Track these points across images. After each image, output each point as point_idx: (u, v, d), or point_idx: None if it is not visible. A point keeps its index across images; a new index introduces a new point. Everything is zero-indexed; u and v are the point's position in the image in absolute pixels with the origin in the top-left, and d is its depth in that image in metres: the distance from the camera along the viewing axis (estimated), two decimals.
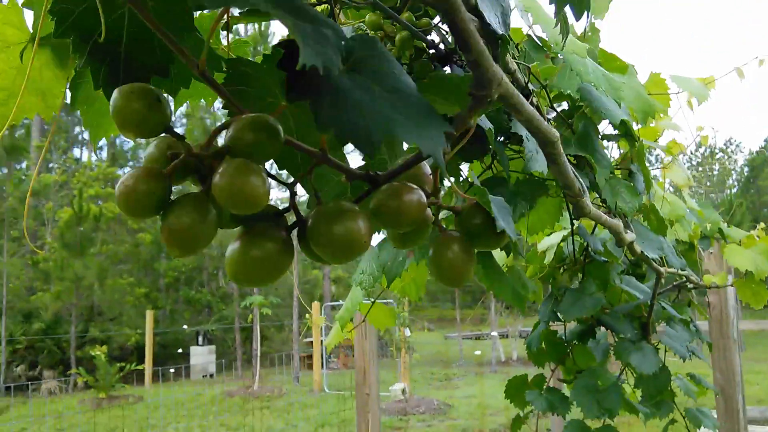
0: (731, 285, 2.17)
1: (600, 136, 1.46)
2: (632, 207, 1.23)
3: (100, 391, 12.34)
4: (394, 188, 0.41)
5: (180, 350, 16.42)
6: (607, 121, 1.34)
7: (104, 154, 25.68)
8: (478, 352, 15.85)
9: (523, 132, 0.97)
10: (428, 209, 0.45)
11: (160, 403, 11.29)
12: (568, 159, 1.32)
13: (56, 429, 10.16)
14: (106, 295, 16.22)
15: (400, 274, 1.25)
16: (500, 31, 0.72)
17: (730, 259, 2.08)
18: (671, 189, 2.32)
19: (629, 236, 1.05)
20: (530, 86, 0.98)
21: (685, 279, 1.87)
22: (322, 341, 13.06)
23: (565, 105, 1.40)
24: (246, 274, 0.38)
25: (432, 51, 0.79)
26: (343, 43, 0.36)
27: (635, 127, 1.57)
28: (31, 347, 15.28)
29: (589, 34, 1.37)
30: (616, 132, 1.45)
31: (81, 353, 14.75)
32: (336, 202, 0.40)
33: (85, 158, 22.49)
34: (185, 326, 17.20)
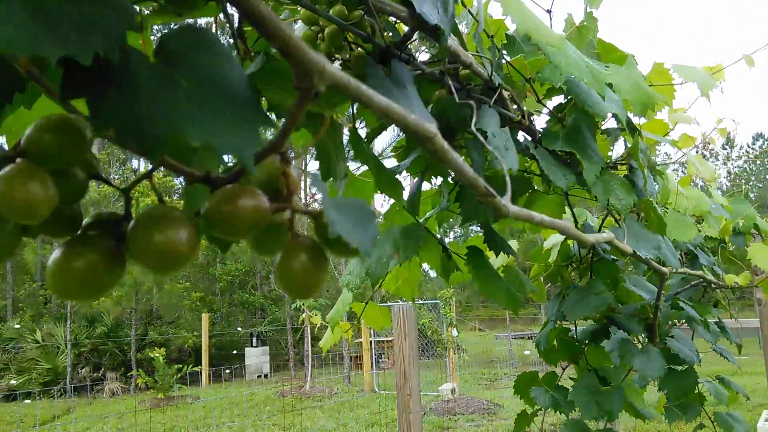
0: (756, 285, 2.05)
1: (600, 130, 1.40)
2: (626, 204, 1.17)
3: (159, 391, 12.76)
4: (228, 192, 0.39)
5: (235, 351, 16.78)
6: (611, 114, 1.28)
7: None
8: (527, 352, 15.60)
9: (489, 128, 0.93)
10: (286, 212, 0.43)
11: (216, 404, 11.55)
12: (559, 154, 1.28)
13: (117, 428, 10.50)
14: (164, 300, 16.71)
15: (385, 276, 1.22)
16: (434, 21, 0.69)
17: (753, 258, 1.97)
18: (699, 183, 2.22)
19: (604, 236, 0.99)
20: (496, 79, 0.94)
21: (701, 279, 1.77)
22: (371, 342, 13.13)
23: (562, 98, 1.35)
24: (64, 288, 0.36)
25: (371, 45, 0.76)
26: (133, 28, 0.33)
27: (640, 120, 1.50)
28: (94, 350, 15.86)
29: (586, 23, 1.32)
30: (618, 125, 1.39)
31: (141, 355, 15.23)
32: (158, 207, 0.38)
33: (141, 168, 23.20)
34: (239, 328, 17.56)
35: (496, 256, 1.24)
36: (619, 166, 1.40)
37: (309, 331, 13.17)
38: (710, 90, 1.32)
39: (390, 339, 13.12)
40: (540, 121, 1.33)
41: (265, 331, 17.14)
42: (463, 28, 1.05)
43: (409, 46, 0.85)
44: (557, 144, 1.13)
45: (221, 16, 0.67)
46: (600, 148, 1.43)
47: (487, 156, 1.06)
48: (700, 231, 2.18)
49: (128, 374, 14.80)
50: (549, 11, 1.30)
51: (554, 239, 1.70)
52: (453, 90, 0.82)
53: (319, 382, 13.42)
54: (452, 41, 0.82)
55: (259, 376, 15.86)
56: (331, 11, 0.72)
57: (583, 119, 1.21)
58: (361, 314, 1.44)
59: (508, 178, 0.64)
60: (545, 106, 1.23)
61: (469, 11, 0.99)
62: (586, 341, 1.82)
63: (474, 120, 0.91)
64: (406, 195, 1.11)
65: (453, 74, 0.92)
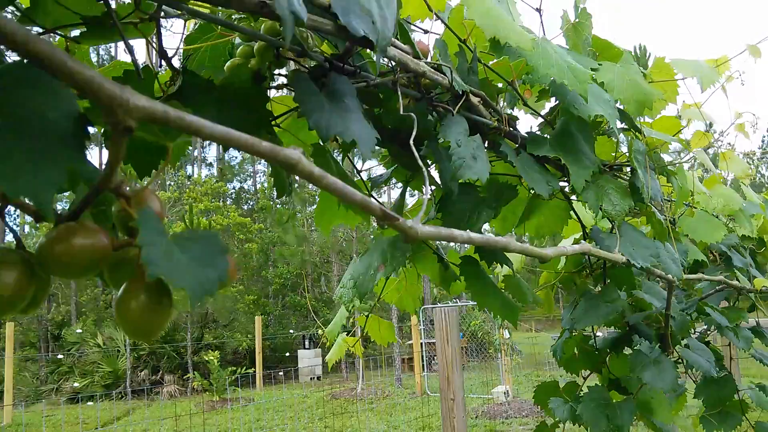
0: None
1: (600, 131, 1.34)
2: (620, 210, 1.11)
3: (214, 394, 13.04)
4: (63, 231, 0.38)
5: (288, 354, 17.00)
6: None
7: (213, 170, 27.13)
8: None
9: (452, 137, 0.89)
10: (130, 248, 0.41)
11: (269, 406, 11.71)
12: (548, 159, 1.23)
13: (173, 430, 10.75)
14: (218, 303, 17.08)
15: (371, 289, 1.20)
16: (361, 33, 0.66)
17: None
18: (729, 179, 2.10)
19: (571, 249, 0.93)
20: (459, 86, 0.90)
21: (724, 284, 1.67)
22: (422, 344, 13.06)
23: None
24: None
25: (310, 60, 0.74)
26: None
27: (645, 119, 1.43)
28: (153, 353, 16.34)
29: (579, 21, 1.26)
30: (623, 125, 1.33)
31: (197, 358, 15.61)
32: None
33: (195, 174, 23.82)
34: (292, 330, 17.77)
35: (488, 266, 1.19)
36: (623, 168, 1.33)
37: (360, 332, 13.19)
38: (712, 84, 1.24)
39: None
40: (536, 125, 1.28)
41: (318, 333, 17.30)
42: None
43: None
44: (544, 149, 1.08)
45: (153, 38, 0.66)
46: (604, 150, 1.37)
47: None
48: (732, 231, 2.07)
49: (185, 377, 15.17)
50: (539, 10, 1.25)
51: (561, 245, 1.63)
52: (400, 100, 0.78)
53: (371, 385, 13.45)
54: (396, 51, 0.78)
55: (312, 378, 16.01)
56: (262, 27, 0.70)
57: (574, 121, 1.15)
58: (365, 326, 1.42)
59: (426, 196, 0.60)
60: (533, 109, 1.18)
61: (437, 15, 0.95)
62: (608, 350, 1.74)
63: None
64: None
65: (413, 83, 0.88)
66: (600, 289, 1.53)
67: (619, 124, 1.32)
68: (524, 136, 1.09)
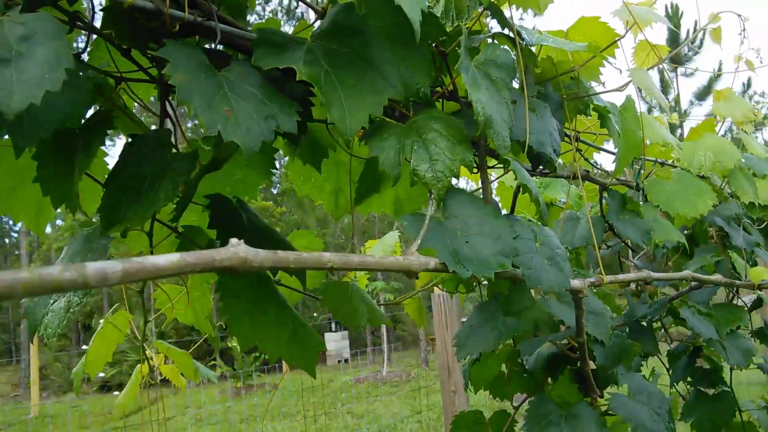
0: None
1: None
2: (446, 169, 0.60)
3: (238, 380, 12.93)
4: None
5: None
6: None
7: None
8: None
9: None
10: None
11: (294, 391, 11.49)
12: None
13: (196, 419, 10.72)
14: None
15: None
16: None
17: None
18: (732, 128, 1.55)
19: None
20: None
21: (695, 280, 1.13)
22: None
23: None
24: None
25: None
26: None
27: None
28: (179, 341, 16.35)
29: None
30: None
31: (223, 344, 15.64)
32: None
33: None
34: (316, 314, 17.60)
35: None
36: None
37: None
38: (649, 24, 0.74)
39: None
40: None
41: None
42: None
43: None
44: (284, 59, 0.58)
45: None
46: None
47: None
48: (731, 198, 1.51)
49: (210, 364, 15.18)
50: None
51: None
52: None
53: (398, 366, 13.15)
54: None
55: (339, 361, 15.90)
56: None
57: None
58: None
59: None
60: None
61: None
62: (543, 371, 1.24)
63: None
64: None
65: None
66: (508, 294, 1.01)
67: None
68: (251, 37, 0.59)
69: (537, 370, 1.23)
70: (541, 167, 0.87)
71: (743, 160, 1.44)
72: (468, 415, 1.38)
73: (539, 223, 0.88)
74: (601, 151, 1.27)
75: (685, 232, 1.70)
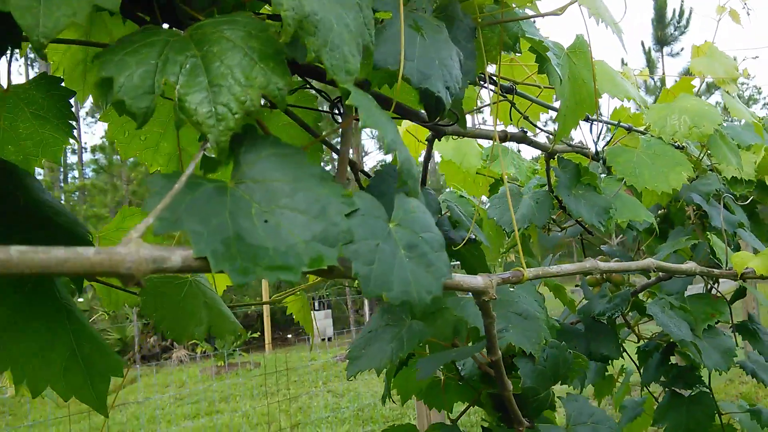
0: None
1: None
2: (239, 102, 0.37)
3: (219, 359, 12.79)
4: None
5: None
6: None
7: None
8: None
9: None
10: None
11: (274, 370, 11.38)
12: None
13: (176, 398, 10.68)
14: None
15: None
16: None
17: None
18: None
19: None
20: None
21: (660, 270, 0.90)
22: None
23: None
24: None
25: None
26: None
27: None
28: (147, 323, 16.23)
29: None
30: None
31: None
32: None
33: None
34: (298, 293, 17.49)
35: None
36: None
37: None
38: None
39: None
40: None
41: (327, 295, 17.07)
42: None
43: None
44: None
45: None
46: None
47: None
48: (708, 171, 1.29)
49: (193, 342, 15.12)
50: None
51: None
52: None
53: None
54: None
55: (323, 339, 15.89)
56: None
57: None
58: None
59: None
60: None
61: None
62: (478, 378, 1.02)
63: None
64: None
65: None
66: None
67: None
68: None
69: (473, 378, 1.01)
70: (454, 122, 0.64)
71: (726, 126, 1.22)
72: (397, 430, 1.17)
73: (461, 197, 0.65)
74: (550, 110, 1.03)
75: (660, 211, 1.48)
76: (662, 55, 20.21)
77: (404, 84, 0.52)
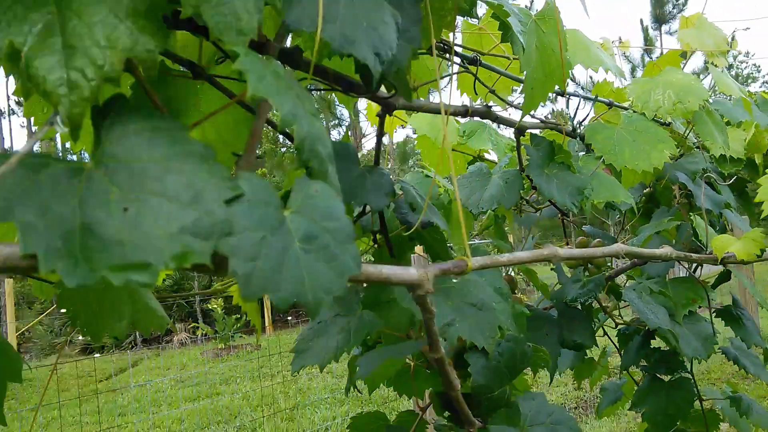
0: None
1: None
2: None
3: (219, 341, 12.87)
4: None
5: None
6: None
7: None
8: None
9: None
10: None
11: (275, 351, 11.40)
12: None
13: (175, 380, 10.75)
14: None
15: None
16: None
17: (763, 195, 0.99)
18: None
19: None
20: None
21: (631, 260, 0.84)
22: None
23: None
24: None
25: None
26: None
27: None
28: (162, 301, 16.30)
29: None
30: None
31: (206, 306, 15.63)
32: None
33: None
34: None
35: None
36: None
37: None
38: None
39: None
40: None
41: None
42: None
43: None
44: None
45: None
46: None
47: None
48: (693, 149, 1.23)
49: (192, 325, 15.20)
50: None
51: None
52: None
53: None
54: None
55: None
56: None
57: None
58: None
59: None
60: None
61: None
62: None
63: None
64: None
65: None
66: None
67: None
68: None
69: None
70: (392, 94, 0.58)
71: (714, 106, 1.15)
72: (365, 418, 1.13)
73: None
74: (521, 84, 0.97)
75: (646, 190, 1.42)
76: (660, 34, 19.96)
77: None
